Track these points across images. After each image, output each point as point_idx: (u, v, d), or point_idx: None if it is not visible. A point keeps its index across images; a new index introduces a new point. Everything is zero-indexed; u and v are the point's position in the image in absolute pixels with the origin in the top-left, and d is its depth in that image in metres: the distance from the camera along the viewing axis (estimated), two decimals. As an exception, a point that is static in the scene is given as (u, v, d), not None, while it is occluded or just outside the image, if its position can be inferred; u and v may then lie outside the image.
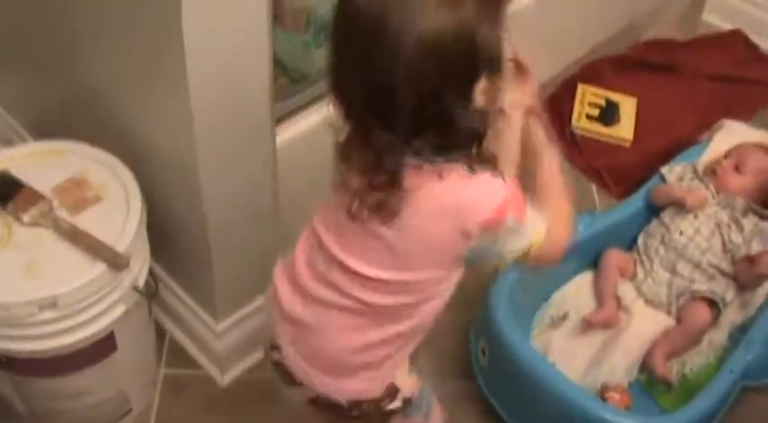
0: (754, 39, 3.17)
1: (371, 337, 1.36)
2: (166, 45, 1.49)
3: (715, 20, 3.29)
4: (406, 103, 1.13)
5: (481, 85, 1.17)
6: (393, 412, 1.47)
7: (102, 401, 1.90)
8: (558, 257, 1.36)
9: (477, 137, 1.21)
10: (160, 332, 2.11)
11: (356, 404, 1.44)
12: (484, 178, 1.22)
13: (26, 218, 1.72)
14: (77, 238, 1.69)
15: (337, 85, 1.21)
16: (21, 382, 1.82)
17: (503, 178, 1.23)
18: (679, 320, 2.19)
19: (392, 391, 1.45)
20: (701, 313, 2.16)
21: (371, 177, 1.21)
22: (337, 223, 1.31)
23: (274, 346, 1.46)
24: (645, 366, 2.12)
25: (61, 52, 1.93)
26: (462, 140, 1.20)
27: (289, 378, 1.46)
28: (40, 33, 1.96)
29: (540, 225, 1.29)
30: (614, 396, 2.02)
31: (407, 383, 1.47)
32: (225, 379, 2.09)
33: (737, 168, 2.35)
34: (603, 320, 2.16)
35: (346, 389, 1.42)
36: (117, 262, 1.66)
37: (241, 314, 2.01)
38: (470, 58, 1.14)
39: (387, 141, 1.17)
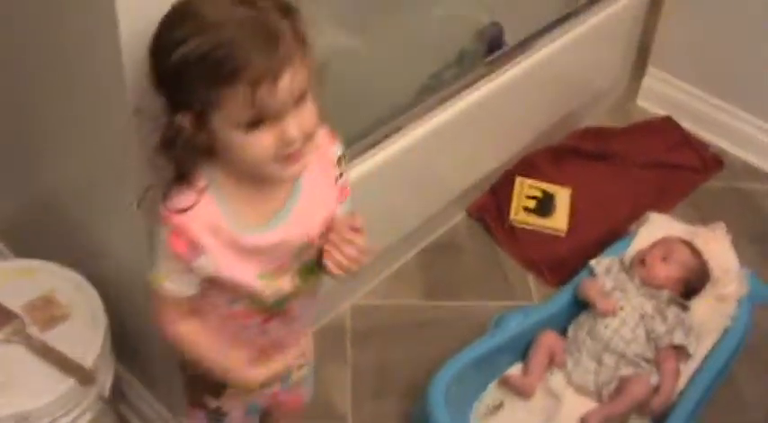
0: (685, 125, 3.31)
1: None
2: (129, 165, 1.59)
3: (649, 106, 3.44)
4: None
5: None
6: None
7: None
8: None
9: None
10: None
11: None
12: None
13: (0, 335, 1.84)
14: (48, 354, 1.81)
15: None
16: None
17: None
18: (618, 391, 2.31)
19: None
20: (642, 384, 2.29)
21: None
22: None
23: None
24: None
25: (22, 168, 2.04)
26: None
27: None
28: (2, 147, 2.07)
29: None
30: (548, 481, 2.15)
31: None
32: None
33: (665, 259, 2.47)
34: (521, 385, 2.32)
35: None
36: (85, 377, 1.79)
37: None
38: None
39: None
